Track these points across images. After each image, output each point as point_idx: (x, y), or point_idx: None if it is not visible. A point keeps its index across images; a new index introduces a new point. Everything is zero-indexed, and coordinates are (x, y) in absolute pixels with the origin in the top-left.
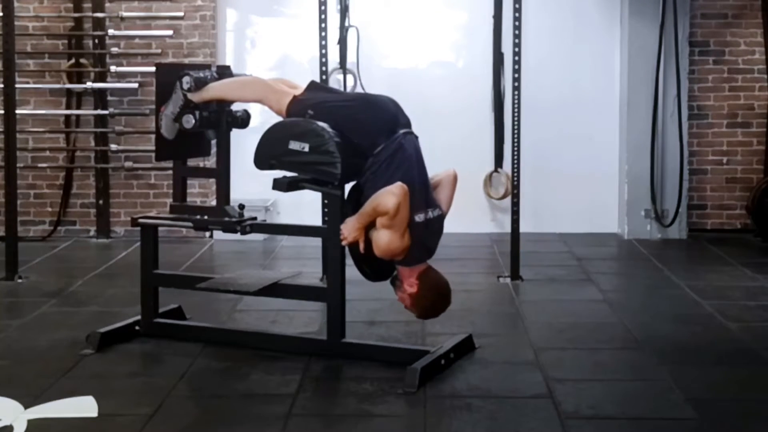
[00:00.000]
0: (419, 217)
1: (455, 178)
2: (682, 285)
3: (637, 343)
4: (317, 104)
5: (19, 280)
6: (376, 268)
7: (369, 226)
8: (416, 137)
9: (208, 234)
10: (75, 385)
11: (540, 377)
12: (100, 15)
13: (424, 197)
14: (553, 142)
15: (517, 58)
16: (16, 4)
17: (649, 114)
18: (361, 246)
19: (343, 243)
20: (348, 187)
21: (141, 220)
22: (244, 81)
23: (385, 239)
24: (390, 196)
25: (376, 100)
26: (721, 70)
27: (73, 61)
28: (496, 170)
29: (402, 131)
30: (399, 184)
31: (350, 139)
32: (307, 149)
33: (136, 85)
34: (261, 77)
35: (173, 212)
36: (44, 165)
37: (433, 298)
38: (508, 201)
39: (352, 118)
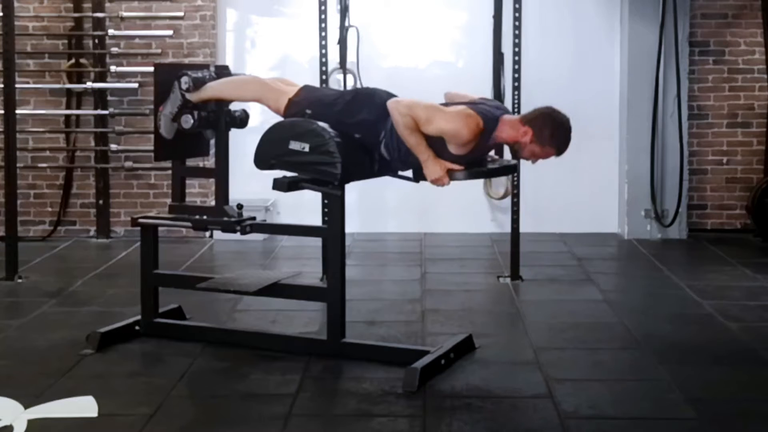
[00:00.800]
0: (450, 105)
1: (455, 92)
2: (682, 285)
3: (637, 343)
4: (314, 103)
5: (19, 280)
6: (488, 163)
7: (441, 154)
8: None
9: (207, 234)
10: (75, 385)
11: (540, 377)
12: (100, 15)
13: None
14: None
15: (517, 58)
16: (16, 4)
17: (649, 114)
18: (455, 166)
19: (446, 182)
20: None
21: (141, 220)
22: (242, 80)
23: (444, 123)
24: (393, 114)
25: (369, 91)
26: (721, 70)
27: (73, 61)
28: None
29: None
30: (387, 102)
31: (352, 136)
32: (307, 149)
33: (136, 85)
34: (259, 77)
35: (172, 212)
36: (44, 165)
37: (551, 124)
38: (508, 201)
39: (351, 111)
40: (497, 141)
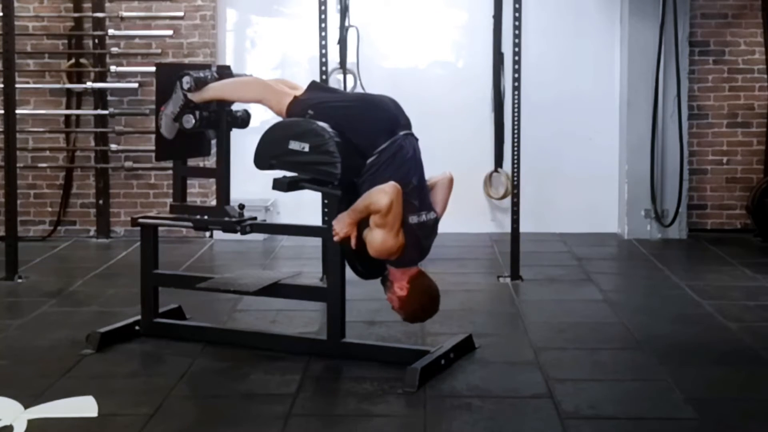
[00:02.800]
0: (413, 219)
1: (451, 182)
2: (682, 285)
3: (637, 343)
4: (317, 104)
5: (19, 280)
6: (368, 266)
7: (363, 225)
8: (416, 139)
9: (208, 234)
10: (75, 385)
11: (540, 377)
12: (100, 15)
13: (420, 199)
14: (553, 142)
15: (517, 58)
16: (16, 4)
17: (649, 114)
18: (353, 242)
19: (335, 239)
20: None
21: (141, 220)
22: (244, 81)
23: (378, 238)
24: (383, 194)
25: (376, 100)
26: (721, 70)
27: (73, 61)
28: (496, 170)
29: (402, 132)
30: (392, 183)
31: (350, 140)
32: (307, 149)
33: (136, 85)
34: (261, 77)
35: (173, 212)
36: (44, 165)
37: (423, 302)
38: (508, 201)
39: (353, 118)
40: (389, 265)
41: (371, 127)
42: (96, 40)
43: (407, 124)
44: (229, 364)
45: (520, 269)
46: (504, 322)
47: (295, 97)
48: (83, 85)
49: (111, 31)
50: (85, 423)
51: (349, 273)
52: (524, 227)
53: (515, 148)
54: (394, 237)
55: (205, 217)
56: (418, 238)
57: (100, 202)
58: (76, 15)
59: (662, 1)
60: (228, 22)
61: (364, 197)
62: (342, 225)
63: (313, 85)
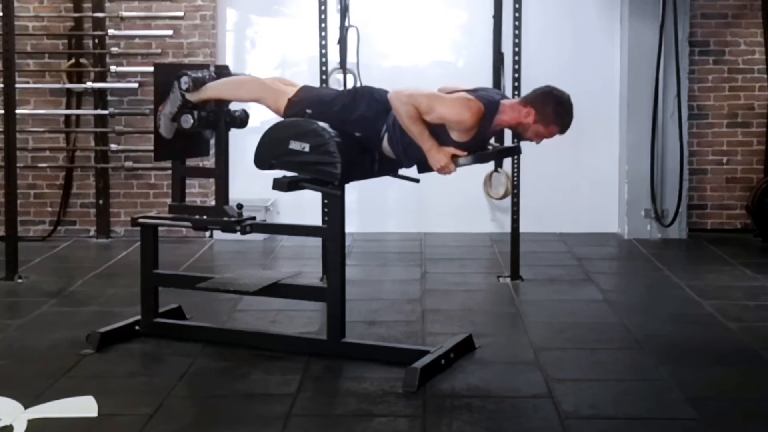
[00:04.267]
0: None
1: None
2: (682, 285)
3: (637, 343)
4: (314, 102)
5: (19, 280)
6: (489, 139)
7: (444, 141)
8: None
9: (207, 234)
10: (75, 385)
11: (540, 377)
12: (100, 15)
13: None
14: (553, 142)
15: (517, 58)
16: (16, 4)
17: (649, 114)
18: (459, 152)
19: (452, 169)
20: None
21: (141, 220)
22: (242, 80)
23: (446, 111)
24: (395, 103)
25: (368, 88)
26: (721, 70)
27: (73, 61)
28: (496, 170)
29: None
30: (387, 93)
31: (353, 135)
32: (307, 149)
33: (136, 85)
34: (258, 77)
35: (172, 212)
36: (44, 165)
37: (552, 101)
38: (508, 201)
39: (351, 109)
40: (499, 124)
41: (369, 111)
42: (96, 40)
43: None
44: (229, 364)
45: (520, 269)
46: (504, 322)
47: (289, 99)
48: (83, 85)
49: (111, 31)
50: (85, 423)
51: (349, 273)
52: (524, 227)
53: None
54: (449, 98)
55: (205, 217)
56: (473, 90)
57: (100, 202)
58: (76, 15)
59: (662, 1)
60: (228, 22)
61: (405, 126)
62: (437, 158)
63: (305, 88)
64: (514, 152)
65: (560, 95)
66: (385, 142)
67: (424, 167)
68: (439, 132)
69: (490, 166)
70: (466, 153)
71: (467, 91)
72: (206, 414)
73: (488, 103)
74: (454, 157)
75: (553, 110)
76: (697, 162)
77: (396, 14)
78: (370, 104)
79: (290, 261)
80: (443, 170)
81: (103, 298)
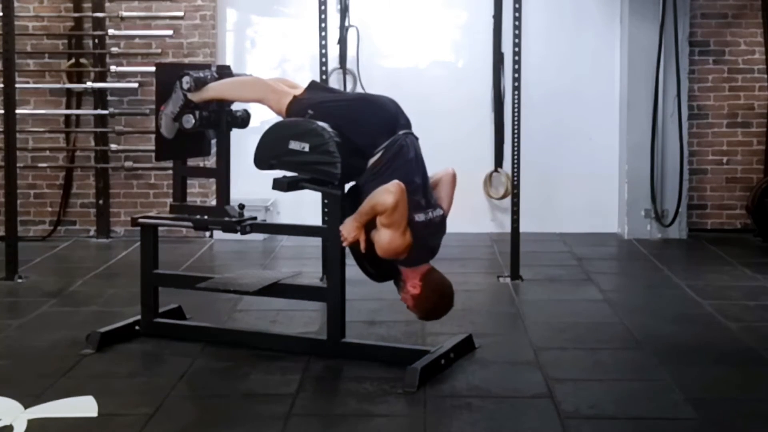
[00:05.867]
0: (419, 217)
1: (454, 177)
2: (682, 285)
3: (637, 343)
4: (317, 104)
5: (19, 280)
6: (379, 267)
7: (369, 226)
8: (416, 138)
9: (208, 234)
10: (75, 385)
11: (540, 377)
12: (100, 15)
13: (424, 197)
14: (553, 142)
15: (517, 57)
16: (16, 4)
17: (649, 114)
18: (362, 245)
19: (344, 244)
20: (347, 187)
21: (141, 220)
22: (244, 81)
23: (386, 238)
24: (387, 194)
25: (376, 100)
26: (721, 70)
27: (73, 61)
28: (496, 170)
29: (402, 132)
30: (396, 182)
31: (350, 139)
32: (307, 149)
33: (136, 85)
34: (261, 77)
35: (173, 212)
36: (44, 165)
37: (436, 299)
38: (508, 201)
39: (353, 118)
40: (398, 265)
41: (371, 126)
42: (96, 40)
43: (407, 124)
44: (229, 364)
45: (520, 269)
46: (504, 322)
47: (295, 97)
48: (83, 85)
49: (111, 31)
50: (85, 423)
51: (349, 273)
52: (524, 227)
53: (515, 148)
54: (401, 236)
55: (205, 217)
56: (425, 236)
57: (100, 202)
58: (76, 15)
59: (662, 1)
60: (228, 22)
61: (369, 199)
62: (349, 229)
63: (312, 85)
64: (377, 281)
65: (446, 304)
66: (374, 158)
67: (347, 204)
68: (371, 221)
69: (490, 166)
70: (363, 250)
71: (422, 235)
72: (206, 414)
73: (409, 260)
74: (355, 242)
75: (429, 307)
76: (697, 162)
77: (396, 14)
78: (374, 120)
79: (290, 261)
80: (341, 236)
81: (103, 298)
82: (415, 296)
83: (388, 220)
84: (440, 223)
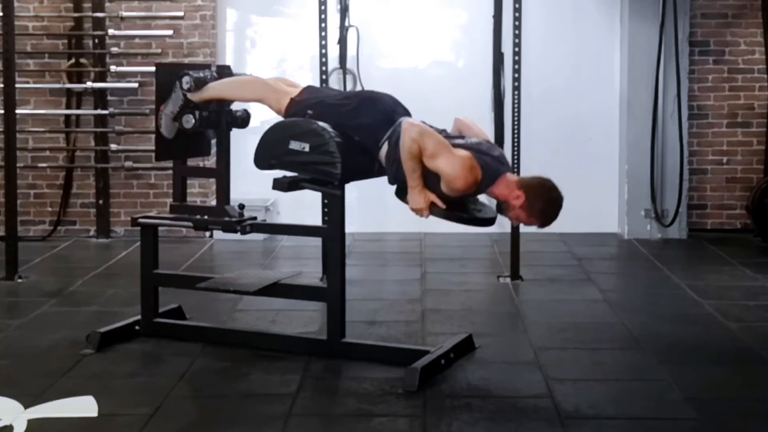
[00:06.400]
0: (459, 142)
1: (467, 120)
2: (682, 285)
3: (637, 343)
4: (316, 104)
5: (19, 280)
6: (471, 210)
7: (431, 185)
8: None
9: (208, 234)
10: (75, 385)
11: (540, 377)
12: (100, 15)
13: (448, 136)
14: (553, 142)
15: (517, 57)
16: (16, 4)
17: (649, 114)
18: (439, 202)
19: (425, 216)
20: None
21: (141, 220)
22: (244, 80)
23: (446, 165)
24: (405, 132)
25: (374, 95)
26: (721, 70)
27: (73, 60)
28: None
29: (402, 118)
30: (403, 119)
31: (353, 138)
32: (307, 149)
33: (136, 85)
34: (260, 77)
35: (173, 212)
36: (44, 165)
37: (544, 197)
38: None
39: (352, 115)
40: (489, 192)
41: (371, 119)
42: (96, 40)
43: (406, 112)
44: (229, 364)
45: (520, 269)
46: (504, 322)
47: (292, 99)
48: (83, 85)
49: (111, 31)
50: (85, 423)
51: (349, 273)
52: (524, 227)
53: (515, 148)
54: (454, 155)
55: (205, 217)
56: (481, 150)
57: (100, 202)
58: (76, 15)
59: (662, 1)
60: (228, 22)
61: (402, 157)
62: (416, 200)
63: (309, 88)
64: (489, 224)
65: (554, 195)
66: (382, 152)
67: (402, 194)
68: (430, 175)
69: None
70: (444, 206)
71: (475, 151)
72: (206, 414)
73: (487, 174)
74: (432, 205)
75: (542, 207)
76: (697, 162)
77: (396, 14)
78: (374, 113)
79: (290, 261)
80: (417, 212)
81: (103, 298)
82: (524, 205)
83: (429, 150)
84: (488, 142)
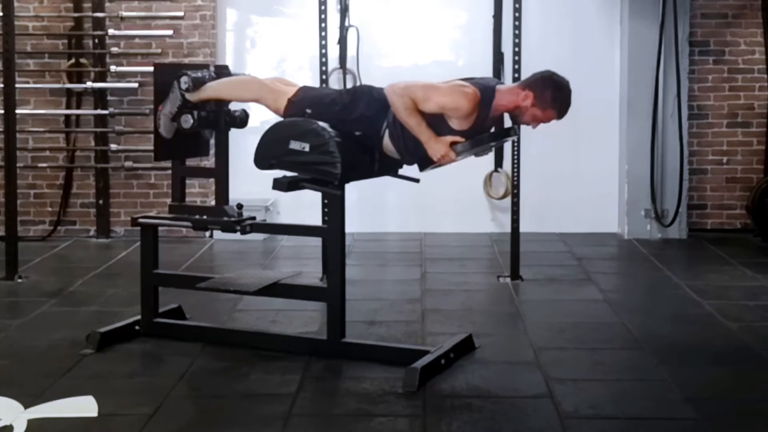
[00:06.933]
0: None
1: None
2: (682, 285)
3: (637, 343)
4: (314, 102)
5: (19, 280)
6: (493, 131)
7: (440, 131)
8: None
9: (207, 234)
10: (75, 385)
11: (540, 377)
12: (100, 15)
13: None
14: (553, 142)
15: (517, 58)
16: (16, 4)
17: (649, 114)
18: (458, 140)
19: (452, 157)
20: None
21: (141, 220)
22: (242, 80)
23: (443, 98)
24: (391, 97)
25: (366, 87)
26: (721, 70)
27: (73, 60)
28: (496, 170)
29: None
30: (383, 88)
31: (353, 135)
32: (307, 149)
33: (136, 85)
34: (258, 77)
35: (172, 212)
36: (44, 165)
37: (551, 85)
38: (508, 201)
39: (350, 109)
40: (497, 109)
41: (369, 111)
42: (96, 40)
43: None
44: (229, 364)
45: (520, 269)
46: (504, 322)
47: (289, 99)
48: (83, 85)
49: (111, 31)
50: (85, 423)
51: (349, 273)
52: (524, 227)
53: (515, 148)
54: (444, 87)
55: (205, 217)
56: (465, 78)
57: (100, 202)
58: (76, 15)
59: (662, 1)
60: (228, 22)
61: (403, 120)
62: (436, 148)
63: (303, 88)
64: (511, 133)
65: (560, 80)
66: (386, 140)
67: (426, 163)
68: (437, 122)
69: (490, 166)
70: (464, 139)
71: (462, 79)
72: (206, 414)
73: (484, 89)
74: (453, 145)
75: (552, 95)
76: (697, 162)
77: (396, 14)
78: (370, 103)
79: (290, 261)
80: (443, 159)
81: (103, 298)
82: (534, 102)
83: (421, 94)
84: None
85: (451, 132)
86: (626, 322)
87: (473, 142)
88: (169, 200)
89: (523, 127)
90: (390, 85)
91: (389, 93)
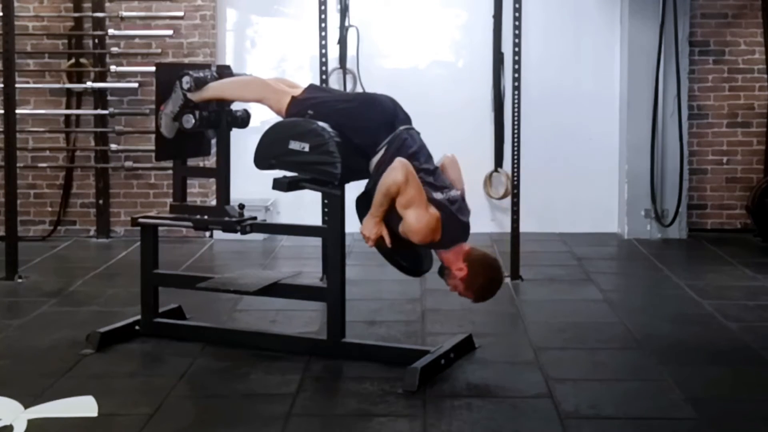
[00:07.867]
0: (438, 195)
1: (455, 159)
2: (682, 285)
3: (637, 343)
4: (317, 104)
5: (19, 280)
6: (411, 260)
7: (392, 223)
8: (418, 132)
9: (208, 234)
10: (75, 385)
11: (540, 377)
12: (100, 15)
13: (435, 179)
14: (553, 142)
15: (517, 57)
16: (16, 4)
17: (649, 114)
18: (387, 240)
19: (369, 244)
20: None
21: (141, 220)
22: (244, 81)
23: (413, 218)
24: (393, 171)
25: (375, 98)
26: (721, 70)
27: (73, 60)
28: (496, 170)
29: (403, 127)
30: (398, 158)
31: (351, 139)
32: (307, 149)
33: (136, 85)
34: (261, 77)
35: (173, 212)
36: (44, 165)
37: (486, 275)
38: (508, 201)
39: (352, 116)
40: (437, 254)
41: (371, 123)
42: (96, 40)
43: (406, 119)
44: (229, 364)
45: (520, 269)
46: (504, 322)
47: (293, 97)
48: (83, 85)
49: (111, 31)
50: (85, 423)
51: (349, 273)
52: (524, 227)
53: (515, 148)
54: (426, 210)
55: (205, 216)
56: (453, 212)
57: (100, 202)
58: (76, 15)
59: (662, 1)
60: (228, 22)
61: (379, 188)
62: (369, 227)
63: (311, 87)
64: (418, 275)
65: (496, 276)
66: (376, 158)
67: (363, 204)
68: (394, 214)
69: (490, 166)
70: (389, 245)
71: (447, 212)
72: (206, 414)
73: (446, 239)
74: (380, 238)
75: (481, 283)
76: (697, 162)
77: (396, 14)
78: (374, 116)
79: (290, 261)
80: (364, 238)
81: (103, 298)
82: (464, 278)
83: (406, 197)
84: (463, 201)
85: (393, 228)
86: (626, 322)
87: (391, 258)
88: (169, 200)
89: (523, 127)
90: (401, 163)
91: (394, 167)
